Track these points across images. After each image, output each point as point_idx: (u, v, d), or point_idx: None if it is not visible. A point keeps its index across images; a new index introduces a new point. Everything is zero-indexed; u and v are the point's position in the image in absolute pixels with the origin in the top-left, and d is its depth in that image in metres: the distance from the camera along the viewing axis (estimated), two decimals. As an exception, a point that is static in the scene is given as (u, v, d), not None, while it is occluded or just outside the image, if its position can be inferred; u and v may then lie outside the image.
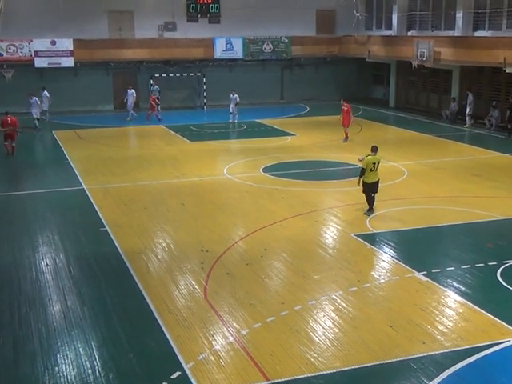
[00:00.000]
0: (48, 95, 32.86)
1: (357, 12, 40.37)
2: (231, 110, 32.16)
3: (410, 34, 36.69)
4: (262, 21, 38.97)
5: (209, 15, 38.23)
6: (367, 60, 38.99)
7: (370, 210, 16.41)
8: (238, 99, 31.85)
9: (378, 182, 16.29)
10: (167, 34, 37.98)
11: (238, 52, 39.09)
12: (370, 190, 16.26)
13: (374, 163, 16.00)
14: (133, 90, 34.19)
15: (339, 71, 41.45)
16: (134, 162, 23.67)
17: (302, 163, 22.86)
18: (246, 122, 32.46)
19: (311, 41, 40.58)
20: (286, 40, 39.81)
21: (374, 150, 16.26)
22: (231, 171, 21.71)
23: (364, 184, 16.18)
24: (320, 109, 37.68)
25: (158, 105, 33.72)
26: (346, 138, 27.14)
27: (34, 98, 31.10)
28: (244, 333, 10.27)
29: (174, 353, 9.65)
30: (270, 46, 39.60)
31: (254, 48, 39.35)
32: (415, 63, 33.71)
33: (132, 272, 12.87)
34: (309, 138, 28.21)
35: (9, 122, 24.32)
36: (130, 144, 27.17)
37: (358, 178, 16.30)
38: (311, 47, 40.44)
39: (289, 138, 28.67)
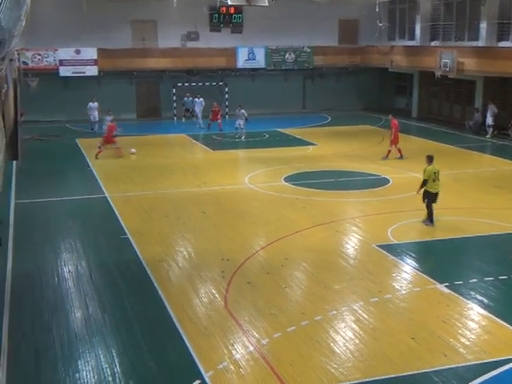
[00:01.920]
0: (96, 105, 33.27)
1: (380, 22, 40.23)
2: (237, 125, 30.91)
3: (433, 44, 36.54)
4: (285, 30, 39.05)
5: (231, 25, 38.35)
6: (390, 70, 38.89)
7: (431, 220, 16.14)
8: (245, 114, 30.47)
9: (438, 193, 16.16)
10: (190, 44, 38.21)
11: (260, 61, 39.22)
12: (433, 199, 16.04)
13: (435, 172, 15.92)
14: (202, 99, 34.60)
15: (361, 81, 41.38)
16: (155, 170, 23.78)
17: (323, 173, 22.81)
18: (267, 132, 32.50)
19: (333, 51, 40.57)
20: (308, 50, 39.85)
21: (431, 159, 16.14)
22: (252, 180, 21.72)
23: (428, 194, 15.99)
24: (341, 119, 37.61)
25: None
26: (388, 155, 25.23)
27: (96, 102, 32.53)
28: (264, 342, 10.24)
29: (194, 361, 9.65)
30: (292, 55, 39.67)
31: (276, 57, 39.45)
32: (438, 74, 33.53)
33: (153, 280, 12.91)
34: (330, 148, 28.15)
35: None
36: (152, 152, 27.29)
37: (418, 188, 16.23)
38: (333, 57, 40.42)
39: (310, 147, 28.64)
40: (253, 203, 18.99)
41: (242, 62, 38.87)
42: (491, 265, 13.74)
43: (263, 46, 38.99)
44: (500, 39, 31.88)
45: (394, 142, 25.15)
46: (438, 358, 9.72)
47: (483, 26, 32.22)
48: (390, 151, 25.12)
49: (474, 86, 33.81)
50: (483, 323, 10.97)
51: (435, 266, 13.81)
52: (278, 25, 38.77)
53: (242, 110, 30.55)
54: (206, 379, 9.13)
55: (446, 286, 12.39)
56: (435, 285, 12.52)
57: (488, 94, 32.70)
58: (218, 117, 32.76)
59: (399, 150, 25.08)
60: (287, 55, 39.56)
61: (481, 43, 32.34)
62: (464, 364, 9.54)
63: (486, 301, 11.77)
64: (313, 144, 29.36)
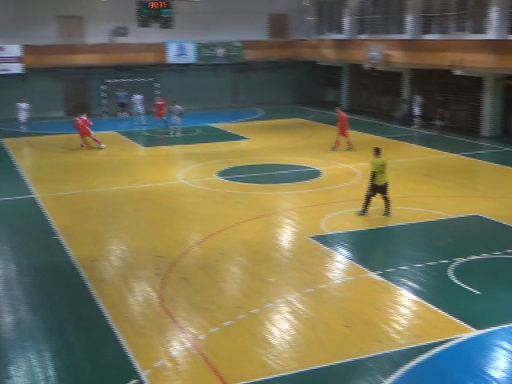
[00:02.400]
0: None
1: (308, 16, 40.73)
2: (173, 121, 30.50)
3: (361, 37, 37.17)
4: (215, 25, 38.94)
5: (161, 20, 37.91)
6: (319, 63, 39.37)
7: (364, 210, 16.44)
8: (181, 110, 30.20)
9: (387, 184, 16.30)
10: (119, 39, 37.60)
11: (190, 56, 38.97)
12: (379, 191, 16.28)
13: (383, 165, 16.16)
14: (141, 95, 33.84)
15: (292, 75, 41.68)
16: (87, 168, 23.34)
17: (257, 167, 22.89)
18: (199, 127, 32.35)
19: (264, 45, 40.73)
20: (239, 44, 39.85)
21: (378, 151, 16.44)
22: (186, 176, 21.60)
23: (374, 186, 16.18)
24: (273, 112, 37.82)
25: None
26: (336, 146, 25.64)
27: (25, 103, 31.46)
28: (201, 338, 10.21)
29: (130, 361, 9.54)
30: (223, 50, 39.59)
31: (207, 52, 39.29)
32: (367, 66, 34.18)
33: (86, 280, 12.67)
34: (263, 142, 28.28)
35: None
36: (83, 150, 26.76)
37: (368, 182, 16.33)
38: (264, 51, 40.58)
39: (243, 142, 28.70)
40: (187, 199, 18.90)
41: (172, 57, 38.52)
42: (421, 251, 14.11)
43: (193, 40, 38.75)
44: (425, 32, 32.71)
45: (342, 133, 25.58)
46: (372, 344, 9.92)
47: (409, 19, 32.98)
48: (338, 142, 25.57)
49: (401, 77, 34.57)
50: (414, 308, 11.27)
51: (368, 254, 14.09)
52: (208, 19, 38.61)
53: (178, 106, 30.32)
54: (143, 378, 9.04)
55: (378, 274, 12.65)
56: (368, 273, 12.77)
57: (415, 86, 33.51)
58: (163, 112, 32.13)
59: (349, 142, 25.60)
60: (218, 50, 39.46)
61: (407, 36, 33.09)
62: (397, 349, 9.77)
63: (416, 287, 12.08)
64: (245, 138, 29.42)
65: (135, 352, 9.77)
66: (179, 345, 10.00)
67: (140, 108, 33.42)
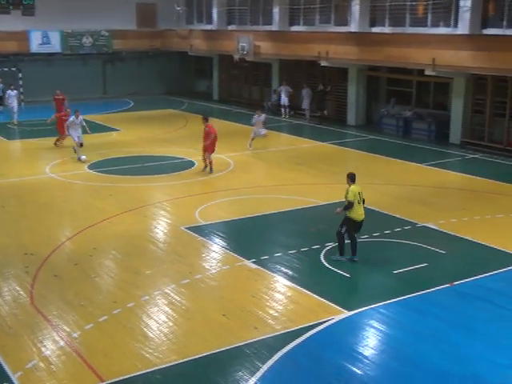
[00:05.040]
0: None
1: (177, 6, 40.46)
2: (15, 110, 29.44)
3: (230, 28, 37.43)
4: (81, 13, 37.67)
5: (22, 7, 36.21)
6: (190, 54, 39.27)
7: (342, 254, 12.87)
8: (16, 95, 29.16)
9: (363, 221, 12.82)
10: (-24, 27, 35.52)
11: (55, 46, 37.55)
12: (355, 229, 12.79)
13: (360, 193, 12.67)
14: (15, 91, 30.95)
15: (162, 65, 41.26)
16: None
17: (129, 159, 22.50)
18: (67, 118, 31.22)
19: (133, 35, 40.04)
20: (107, 34, 38.91)
21: (353, 178, 12.85)
22: (54, 170, 20.84)
23: (350, 222, 12.65)
24: (144, 103, 37.31)
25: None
26: (206, 167, 20.38)
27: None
28: (75, 335, 9.92)
29: (0, 363, 9.09)
30: (90, 39, 38.49)
31: (73, 42, 38.02)
32: (237, 57, 34.52)
33: None
34: (134, 133, 27.83)
35: None
36: None
37: (340, 209, 12.81)
38: (133, 41, 39.91)
39: (114, 133, 28.10)
40: (56, 193, 18.25)
41: (35, 46, 36.93)
42: (294, 238, 14.49)
43: (58, 29, 37.35)
44: (292, 24, 33.47)
45: (208, 149, 20.28)
46: (249, 331, 10.07)
47: (276, 10, 33.61)
48: (209, 161, 20.38)
49: (270, 68, 35.23)
50: (289, 294, 11.56)
51: (242, 243, 14.26)
52: (73, 7, 37.30)
53: (15, 91, 29.03)
54: (14, 380, 8.66)
55: (253, 262, 12.86)
56: (243, 261, 12.94)
57: (284, 76, 34.25)
58: (62, 107, 29.80)
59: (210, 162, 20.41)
60: (84, 39, 38.31)
61: (274, 27, 33.71)
62: (273, 334, 9.99)
63: (290, 272, 12.40)
64: (116, 130, 28.82)
65: (4, 354, 9.32)
66: (52, 344, 9.66)
67: (15, 105, 30.14)
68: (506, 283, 11.94)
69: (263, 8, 35.45)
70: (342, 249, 12.81)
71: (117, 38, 39.18)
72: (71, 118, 22.54)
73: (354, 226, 12.68)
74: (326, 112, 30.43)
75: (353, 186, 12.65)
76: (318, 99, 30.62)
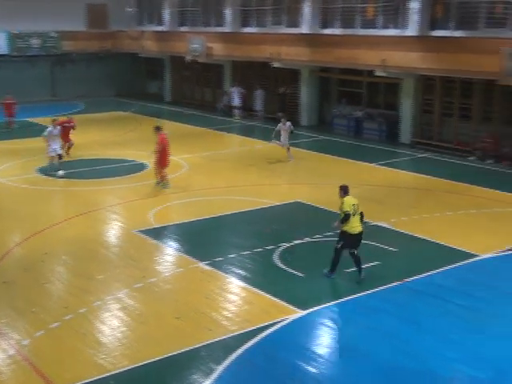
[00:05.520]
0: None
1: (128, 7, 40.09)
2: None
3: (182, 29, 37.26)
4: (29, 14, 36.97)
5: (-33, 7, 35.40)
6: (141, 55, 38.96)
7: (333, 269, 12.12)
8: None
9: (362, 234, 12.06)
10: None
11: (2, 47, 36.77)
12: (352, 244, 11.92)
13: (354, 204, 11.84)
14: None
15: (113, 67, 40.79)
16: None
17: (80, 162, 22.18)
18: (16, 121, 30.59)
19: (83, 36, 39.52)
20: (56, 35, 38.31)
21: (346, 190, 12.09)
22: (2, 174, 20.38)
23: (346, 235, 11.87)
24: (95, 105, 36.81)
25: None
26: (159, 183, 18.54)
27: None
28: (25, 343, 9.72)
29: None
30: (39, 41, 37.83)
31: (21, 43, 37.30)
32: (189, 58, 34.40)
33: None
34: (85, 136, 27.34)
35: None
36: None
37: (337, 222, 12.07)
38: (83, 42, 39.38)
39: (64, 136, 27.62)
40: (5, 198, 17.87)
41: (-19, 47, 36.15)
42: (248, 239, 14.50)
43: (5, 30, 36.58)
44: (244, 25, 33.52)
45: (162, 164, 18.53)
46: (203, 333, 10.03)
47: (228, 12, 33.60)
48: (163, 176, 18.60)
49: (222, 69, 35.20)
50: (243, 295, 11.57)
51: (196, 245, 14.19)
52: (20, 8, 36.59)
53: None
54: (-38, 391, 8.45)
55: (207, 264, 12.82)
56: (197, 263, 12.89)
57: (236, 77, 34.27)
58: (13, 111, 29.09)
59: (163, 176, 18.59)
60: (33, 40, 37.63)
61: (227, 29, 33.70)
62: (228, 335, 9.98)
63: (244, 273, 12.40)
64: (67, 133, 28.32)
65: (-48, 365, 9.08)
66: (1, 353, 9.44)
67: None
68: (454, 279, 12.19)
69: (215, 9, 35.40)
70: (334, 265, 11.98)
71: (66, 39, 38.60)
72: (49, 128, 20.24)
73: (350, 240, 11.82)
74: (283, 114, 30.18)
75: (347, 198, 11.91)
76: (279, 102, 30.35)
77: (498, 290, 11.75)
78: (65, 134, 22.07)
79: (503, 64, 20.47)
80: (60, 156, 20.35)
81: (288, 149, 22.47)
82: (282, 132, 22.41)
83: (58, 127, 20.84)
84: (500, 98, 23.28)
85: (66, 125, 22.55)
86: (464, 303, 11.19)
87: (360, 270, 11.96)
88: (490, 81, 22.24)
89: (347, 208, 11.70)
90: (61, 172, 19.88)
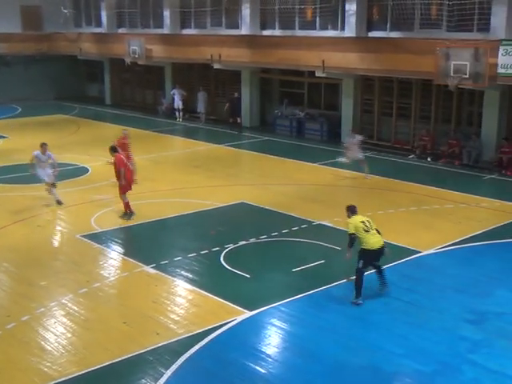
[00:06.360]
0: None
1: (64, 8, 39.36)
2: None
3: (120, 31, 36.83)
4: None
5: None
6: (79, 57, 38.33)
7: (359, 295, 11.30)
8: None
9: (383, 248, 11.50)
10: None
11: None
12: (374, 258, 11.53)
13: (364, 222, 11.42)
14: None
15: (52, 69, 39.94)
16: None
17: (18, 167, 21.57)
18: (-50, 127, 29.73)
19: (17, 38, 38.52)
20: (-12, 37, 37.33)
21: (353, 210, 11.69)
22: None
23: (365, 253, 11.33)
24: (33, 109, 36.01)
25: None
26: (128, 212, 16.01)
27: None
28: (-34, 354, 9.44)
29: None
30: (-29, 43, 36.78)
31: (-47, 46, 36.19)
32: (128, 60, 34.04)
33: None
34: (23, 140, 26.75)
35: None
36: None
37: (347, 249, 11.46)
38: (18, 44, 38.40)
39: (1, 140, 26.95)
40: None
41: None
42: (194, 241, 14.44)
43: None
44: (183, 27, 33.37)
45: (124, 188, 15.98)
46: (150, 337, 9.94)
47: (167, 13, 33.39)
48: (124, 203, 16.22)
49: (163, 71, 34.96)
50: (190, 297, 11.52)
51: (141, 249, 14.05)
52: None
53: None
54: None
55: (152, 267, 12.71)
56: (142, 267, 12.76)
57: (177, 79, 34.09)
58: None
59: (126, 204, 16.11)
60: (-35, 43, 36.55)
61: (166, 30, 33.49)
62: (176, 339, 9.91)
63: (190, 276, 12.35)
64: (3, 137, 27.67)
65: None
66: None
67: None
68: (397, 275, 12.43)
69: (154, 11, 35.13)
70: (358, 289, 11.25)
71: (1, 41, 37.59)
72: (35, 153, 17.16)
73: (370, 256, 11.36)
74: (239, 119, 30.05)
75: (352, 218, 11.49)
76: (232, 106, 30.16)
77: (438, 285, 12.04)
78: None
79: (439, 64, 21.02)
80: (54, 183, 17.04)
81: (363, 162, 20.20)
82: (351, 147, 20.38)
83: (49, 152, 17.24)
84: (436, 97, 23.92)
85: (124, 142, 18.60)
86: (406, 298, 11.44)
87: (383, 282, 11.64)
88: (426, 80, 22.83)
89: (351, 230, 11.33)
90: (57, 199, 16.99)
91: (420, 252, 13.68)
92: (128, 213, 15.97)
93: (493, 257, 13.60)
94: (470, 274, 12.57)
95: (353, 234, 11.29)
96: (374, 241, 11.26)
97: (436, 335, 10.10)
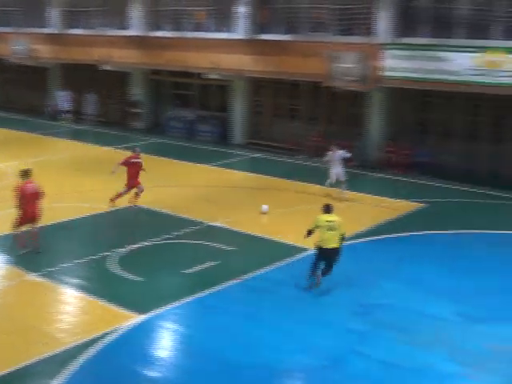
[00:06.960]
0: None
1: None
2: None
3: (3, 30, 35.28)
4: None
5: None
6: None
7: (311, 276, 11.93)
8: None
9: (338, 250, 11.85)
10: None
11: None
12: (324, 255, 11.82)
13: (330, 221, 11.77)
14: None
15: None
16: None
17: None
18: None
19: None
20: None
21: (326, 209, 12.08)
22: None
23: (317, 249, 11.86)
24: None
25: None
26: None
27: None
28: None
29: None
30: None
31: None
32: (12, 61, 32.74)
33: None
34: None
35: None
36: None
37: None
38: None
39: None
40: None
41: None
42: (82, 247, 14.06)
43: None
44: (71, 26, 32.43)
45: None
46: (37, 348, 9.56)
47: (54, 13, 32.36)
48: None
49: (50, 72, 33.85)
50: (80, 304, 11.20)
51: (26, 256, 13.46)
52: None
53: None
54: None
55: (39, 275, 12.24)
56: (28, 275, 12.27)
57: (65, 81, 33.11)
58: None
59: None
60: None
61: (52, 30, 32.46)
62: (65, 348, 9.58)
63: (79, 282, 12.01)
64: None
65: None
66: None
67: None
68: (287, 274, 12.64)
69: (39, 10, 33.92)
70: (310, 272, 11.90)
71: None
72: None
73: (320, 254, 11.80)
74: (138, 122, 29.43)
75: (320, 215, 11.95)
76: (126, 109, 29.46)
77: (327, 280, 12.22)
78: (133, 175, 16.70)
79: (326, 66, 21.58)
80: None
81: (344, 183, 18.35)
82: (333, 162, 18.42)
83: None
84: (325, 98, 24.52)
85: (134, 161, 17.00)
86: (295, 295, 11.64)
87: (320, 277, 11.90)
88: (316, 82, 23.36)
89: (314, 223, 11.90)
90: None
91: (308, 250, 13.94)
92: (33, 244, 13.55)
93: (380, 251, 14.12)
94: (357, 269, 12.94)
95: (311, 229, 11.97)
96: (325, 238, 11.73)
97: (325, 329, 10.34)
